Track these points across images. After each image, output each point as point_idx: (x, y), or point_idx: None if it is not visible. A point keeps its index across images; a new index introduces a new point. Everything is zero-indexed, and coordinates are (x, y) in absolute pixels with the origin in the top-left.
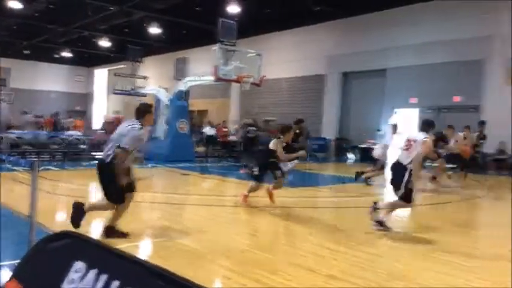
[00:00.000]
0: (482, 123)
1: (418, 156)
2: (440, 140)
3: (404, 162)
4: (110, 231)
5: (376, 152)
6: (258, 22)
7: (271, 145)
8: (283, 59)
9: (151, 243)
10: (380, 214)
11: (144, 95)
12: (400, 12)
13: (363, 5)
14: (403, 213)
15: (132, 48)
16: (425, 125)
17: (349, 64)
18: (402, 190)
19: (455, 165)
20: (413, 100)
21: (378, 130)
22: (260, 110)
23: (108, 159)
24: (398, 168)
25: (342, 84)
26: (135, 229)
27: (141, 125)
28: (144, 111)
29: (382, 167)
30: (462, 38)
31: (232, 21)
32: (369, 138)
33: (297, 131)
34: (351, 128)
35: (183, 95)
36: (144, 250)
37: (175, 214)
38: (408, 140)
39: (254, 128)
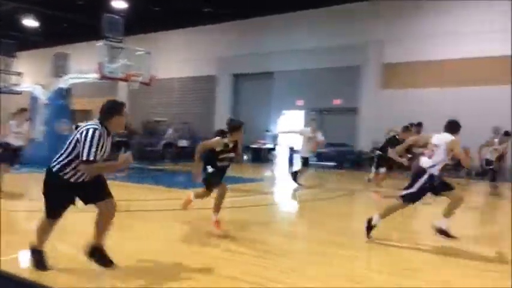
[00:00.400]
0: (419, 125)
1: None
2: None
3: (425, 165)
4: (97, 252)
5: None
6: (147, 20)
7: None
8: (175, 58)
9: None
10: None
11: (19, 93)
12: (288, 17)
13: (253, 9)
14: (293, 209)
15: (4, 42)
16: (451, 125)
17: (240, 66)
18: (413, 190)
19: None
20: (300, 102)
21: (267, 131)
22: (151, 110)
23: (56, 168)
24: (419, 172)
25: (233, 85)
26: (9, 241)
27: (105, 128)
28: (110, 110)
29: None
30: (342, 45)
31: (118, 17)
32: (260, 138)
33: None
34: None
35: (64, 93)
36: (20, 263)
37: None
38: (431, 144)
39: (125, 131)
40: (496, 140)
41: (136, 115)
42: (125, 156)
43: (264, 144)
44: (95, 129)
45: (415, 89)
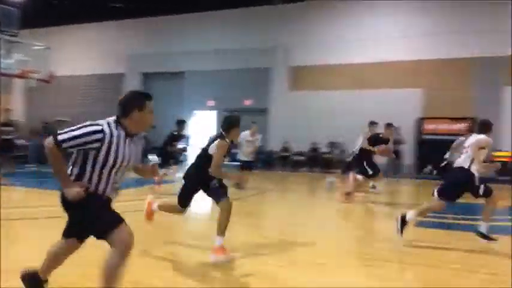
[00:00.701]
0: (390, 125)
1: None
2: (380, 141)
3: (466, 165)
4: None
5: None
6: (48, 12)
7: (211, 149)
8: (79, 55)
9: None
10: (482, 227)
11: None
12: (200, 17)
13: (165, 6)
14: (205, 210)
15: None
16: (482, 125)
17: (150, 64)
18: (481, 189)
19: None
20: (211, 103)
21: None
22: (51, 109)
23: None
24: (463, 174)
25: (142, 84)
26: None
27: (123, 128)
28: (128, 104)
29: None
30: (253, 47)
31: (13, 8)
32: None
33: (176, 132)
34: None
35: None
36: None
37: None
38: (464, 146)
39: (11, 129)
40: (463, 138)
41: (35, 115)
42: (77, 191)
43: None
44: (94, 124)
45: (323, 91)
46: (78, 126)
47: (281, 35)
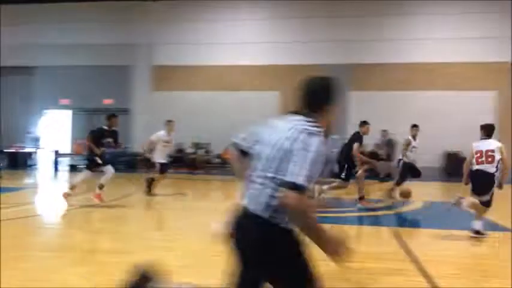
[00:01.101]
0: (364, 123)
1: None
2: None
3: (491, 171)
4: None
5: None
6: None
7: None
8: None
9: None
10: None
11: None
12: (53, 8)
13: None
14: (59, 219)
15: None
16: (491, 129)
17: None
18: (488, 197)
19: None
20: (65, 101)
21: (29, 132)
22: None
23: (262, 208)
24: (487, 178)
25: None
26: None
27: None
28: (332, 94)
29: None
30: (110, 43)
31: None
32: (18, 141)
33: (106, 127)
34: None
35: None
36: None
37: None
38: (487, 151)
39: None
40: (411, 138)
41: None
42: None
43: (23, 148)
44: (319, 137)
45: (186, 91)
46: (307, 152)
47: (144, 33)
